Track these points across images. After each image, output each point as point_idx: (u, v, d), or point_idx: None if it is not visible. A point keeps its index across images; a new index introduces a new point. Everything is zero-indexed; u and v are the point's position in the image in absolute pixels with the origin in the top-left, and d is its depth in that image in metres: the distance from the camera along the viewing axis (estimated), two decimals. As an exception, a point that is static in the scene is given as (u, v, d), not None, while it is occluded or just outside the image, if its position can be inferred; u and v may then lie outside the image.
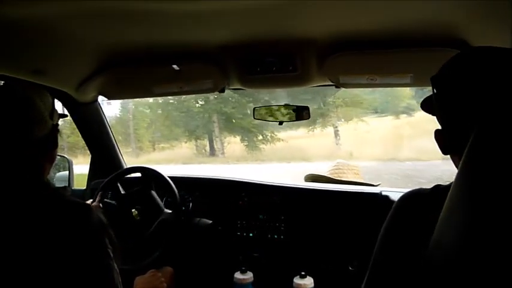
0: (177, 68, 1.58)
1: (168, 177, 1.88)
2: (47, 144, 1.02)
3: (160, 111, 13.57)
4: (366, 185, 2.04)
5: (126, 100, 13.24)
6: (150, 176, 1.90)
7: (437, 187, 0.88)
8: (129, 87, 1.85)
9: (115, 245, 1.01)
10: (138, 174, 1.97)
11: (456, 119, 0.79)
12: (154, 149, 13.86)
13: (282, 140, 12.19)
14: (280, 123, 1.89)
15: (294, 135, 12.61)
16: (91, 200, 1.85)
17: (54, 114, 1.05)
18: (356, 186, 1.96)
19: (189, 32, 1.34)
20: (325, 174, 2.21)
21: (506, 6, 1.02)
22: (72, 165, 2.29)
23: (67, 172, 2.28)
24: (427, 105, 0.94)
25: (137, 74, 1.71)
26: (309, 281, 1.63)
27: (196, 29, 1.31)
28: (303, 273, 1.65)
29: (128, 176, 1.98)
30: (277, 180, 2.01)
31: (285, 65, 1.53)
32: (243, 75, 1.63)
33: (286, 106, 1.88)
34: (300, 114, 1.87)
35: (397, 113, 12.61)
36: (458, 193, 0.58)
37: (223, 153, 12.79)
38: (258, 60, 1.54)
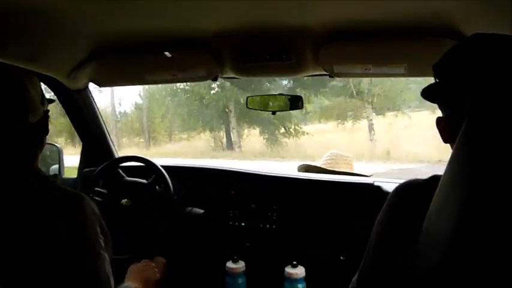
0: (169, 55, 1.56)
1: (161, 166, 1.87)
2: (40, 130, 1.01)
3: (176, 99, 12.41)
4: (358, 175, 2.04)
5: (142, 87, 12.21)
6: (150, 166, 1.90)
7: (434, 177, 0.87)
8: (121, 75, 1.83)
9: (107, 235, 1.01)
10: (130, 164, 1.96)
11: (459, 107, 0.79)
12: (170, 140, 12.76)
13: (307, 133, 10.83)
14: (273, 112, 1.88)
15: (322, 129, 11.18)
16: None
17: (44, 100, 1.03)
18: (349, 177, 1.96)
19: (182, 18, 1.32)
20: (319, 165, 2.21)
21: None
22: (62, 154, 2.26)
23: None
24: (428, 94, 0.93)
25: (129, 61, 1.68)
26: (300, 270, 1.64)
27: (190, 15, 1.29)
28: (294, 262, 1.65)
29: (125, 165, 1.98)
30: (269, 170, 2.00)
31: (279, 53, 1.51)
32: (236, 64, 1.61)
33: (280, 96, 1.87)
34: (294, 104, 1.85)
35: (433, 107, 11.43)
36: (451, 182, 0.57)
37: (239, 146, 11.43)
38: (251, 49, 1.52)
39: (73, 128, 2.16)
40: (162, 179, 1.83)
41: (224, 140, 11.84)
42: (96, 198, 1.82)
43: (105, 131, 2.23)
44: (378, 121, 10.79)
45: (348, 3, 1.18)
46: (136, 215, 1.79)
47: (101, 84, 1.91)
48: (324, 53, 1.48)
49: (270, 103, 1.89)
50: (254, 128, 11.52)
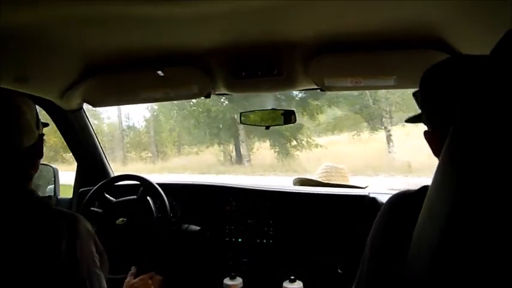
0: (162, 74, 1.57)
1: (157, 184, 1.87)
2: (34, 154, 1.02)
3: (184, 111, 11.70)
4: (354, 187, 2.04)
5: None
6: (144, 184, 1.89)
7: (424, 188, 0.88)
8: (113, 94, 1.84)
9: (102, 254, 1.02)
10: (127, 182, 1.96)
11: (446, 122, 0.81)
12: (179, 154, 12.18)
13: (321, 146, 10.08)
14: (267, 127, 1.89)
15: (336, 141, 10.52)
16: None
17: (39, 124, 1.04)
18: (344, 189, 1.96)
19: (173, 37, 1.34)
20: (314, 178, 2.21)
21: (488, 8, 1.04)
22: (58, 173, 2.26)
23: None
24: (413, 120, 0.98)
25: (122, 81, 1.69)
26: (298, 284, 1.63)
27: (181, 34, 1.31)
28: (292, 277, 1.64)
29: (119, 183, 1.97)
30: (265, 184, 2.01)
31: (270, 68, 1.53)
32: (228, 80, 1.62)
33: (273, 110, 1.88)
34: (287, 118, 1.87)
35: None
36: (436, 194, 0.58)
37: (249, 160, 10.84)
38: (242, 65, 1.54)
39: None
40: (160, 198, 1.83)
41: (234, 153, 11.28)
42: (92, 218, 1.81)
43: (100, 150, 2.23)
44: (397, 131, 9.92)
45: (335, 17, 1.20)
46: (133, 233, 1.78)
47: (94, 104, 1.92)
48: (314, 66, 1.50)
49: (263, 118, 1.90)
50: (264, 141, 10.91)
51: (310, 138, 10.31)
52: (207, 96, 1.78)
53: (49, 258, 0.88)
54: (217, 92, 1.80)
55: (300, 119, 8.80)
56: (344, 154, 8.94)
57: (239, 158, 10.97)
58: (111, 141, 11.30)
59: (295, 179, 2.24)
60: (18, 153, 0.96)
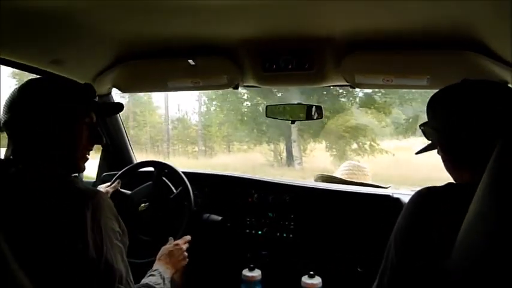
0: (193, 63, 1.58)
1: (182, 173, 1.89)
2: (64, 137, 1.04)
3: (229, 105, 10.54)
4: (376, 186, 2.03)
5: (199, 93, 10.27)
6: (163, 169, 1.92)
7: (450, 184, 0.89)
8: (144, 81, 1.86)
9: (124, 230, 1.06)
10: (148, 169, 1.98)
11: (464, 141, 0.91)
12: (229, 151, 11.10)
13: (386, 152, 8.46)
14: (293, 122, 1.89)
15: (404, 146, 8.68)
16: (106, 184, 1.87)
17: (71, 111, 1.06)
18: (367, 188, 1.95)
19: (206, 27, 1.34)
20: (336, 175, 2.20)
21: None
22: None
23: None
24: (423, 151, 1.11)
25: (152, 68, 1.71)
26: (317, 280, 1.63)
27: (214, 24, 1.31)
28: (311, 272, 1.64)
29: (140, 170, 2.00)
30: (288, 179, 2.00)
31: (302, 63, 1.52)
32: (258, 72, 1.62)
33: (299, 105, 1.88)
34: (311, 114, 1.86)
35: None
36: (487, 199, 0.58)
37: (300, 163, 9.43)
38: (274, 58, 1.53)
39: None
40: (182, 183, 1.84)
41: (284, 154, 9.99)
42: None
43: (126, 136, 2.26)
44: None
45: (370, 14, 1.19)
46: (156, 215, 1.81)
47: (123, 90, 1.95)
48: (345, 62, 1.49)
49: (289, 112, 1.89)
50: (320, 142, 9.48)
51: (374, 142, 8.80)
52: (236, 87, 1.78)
53: (75, 228, 0.92)
54: (245, 84, 1.80)
55: (364, 118, 7.95)
56: (415, 162, 6.95)
57: (289, 160, 9.62)
58: (160, 133, 11.06)
59: (317, 175, 2.23)
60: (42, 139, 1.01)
